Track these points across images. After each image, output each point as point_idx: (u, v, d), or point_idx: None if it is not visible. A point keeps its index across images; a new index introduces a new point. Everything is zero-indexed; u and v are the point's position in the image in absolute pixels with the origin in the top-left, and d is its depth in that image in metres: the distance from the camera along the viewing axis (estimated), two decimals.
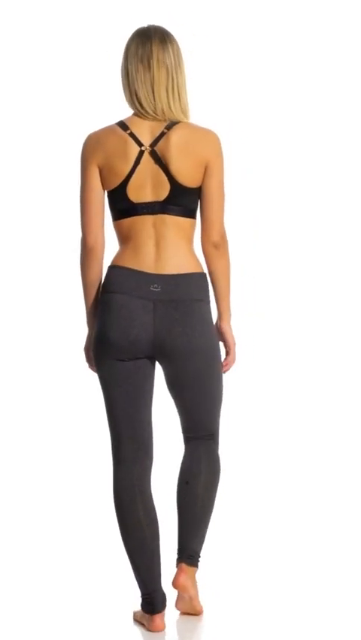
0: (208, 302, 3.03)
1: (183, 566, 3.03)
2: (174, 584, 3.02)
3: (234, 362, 3.15)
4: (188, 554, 3.04)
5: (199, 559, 3.08)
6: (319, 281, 5.19)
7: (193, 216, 3.00)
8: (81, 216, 3.02)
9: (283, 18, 5.15)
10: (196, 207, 3.01)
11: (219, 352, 3.07)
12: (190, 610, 3.09)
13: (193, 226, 3.01)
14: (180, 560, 3.05)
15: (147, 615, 3.02)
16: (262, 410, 5.00)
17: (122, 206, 2.97)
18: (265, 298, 5.12)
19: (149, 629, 3.01)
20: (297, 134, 5.16)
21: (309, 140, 5.17)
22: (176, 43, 2.98)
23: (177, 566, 3.05)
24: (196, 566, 3.06)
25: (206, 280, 3.02)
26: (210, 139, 2.98)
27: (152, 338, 2.94)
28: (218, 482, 3.11)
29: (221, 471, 3.12)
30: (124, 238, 2.99)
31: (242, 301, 4.84)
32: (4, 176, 5.16)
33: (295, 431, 4.95)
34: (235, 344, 3.14)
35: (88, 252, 3.02)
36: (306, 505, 4.34)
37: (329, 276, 5.20)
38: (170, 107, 2.95)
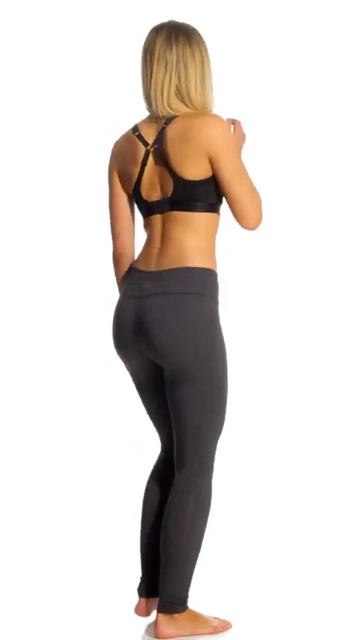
0: (203, 296, 2.86)
1: (159, 617, 2.88)
2: (154, 636, 2.91)
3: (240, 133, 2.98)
4: (165, 600, 2.89)
5: (182, 602, 2.89)
6: (319, 282, 5.19)
7: (209, 210, 2.89)
8: (110, 223, 3.06)
9: (284, 20, 5.15)
10: (211, 200, 2.88)
11: (213, 366, 2.84)
12: (213, 631, 2.95)
13: (208, 220, 2.89)
14: (157, 609, 2.91)
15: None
16: (262, 411, 5.01)
17: (141, 207, 2.99)
18: (264, 298, 5.12)
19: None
20: (296, 134, 5.16)
21: (309, 140, 5.17)
22: (186, 39, 2.90)
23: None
24: (177, 610, 2.89)
25: (205, 275, 2.88)
26: (206, 124, 2.85)
27: (134, 332, 2.90)
28: (205, 518, 2.91)
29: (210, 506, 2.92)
30: (146, 237, 3.02)
31: (241, 302, 4.89)
32: (9, 176, 5.16)
33: (295, 434, 4.94)
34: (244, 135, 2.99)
35: (116, 258, 3.06)
36: (304, 510, 4.35)
37: (329, 276, 5.20)
38: (169, 104, 2.90)
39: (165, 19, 2.98)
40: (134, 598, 3.13)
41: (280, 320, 5.12)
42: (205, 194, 2.88)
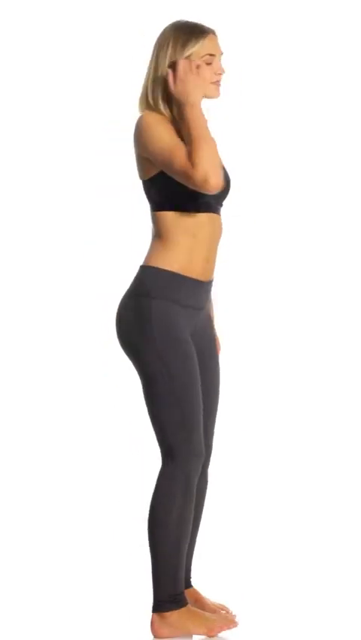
0: (145, 296, 2.86)
1: (153, 616, 2.88)
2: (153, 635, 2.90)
3: None
4: (157, 600, 2.88)
5: (175, 599, 2.86)
6: (318, 285, 5.18)
7: (161, 208, 2.89)
8: None
9: (283, 22, 5.15)
10: (161, 199, 2.88)
11: (152, 365, 2.84)
12: (209, 632, 2.89)
13: (172, 218, 2.87)
14: (152, 609, 2.91)
15: None
16: (260, 411, 5.00)
17: None
18: (263, 300, 5.11)
19: None
20: (296, 136, 5.16)
21: (308, 142, 5.17)
22: (158, 41, 2.89)
23: None
24: (170, 609, 2.86)
25: (152, 274, 2.88)
26: (135, 127, 2.90)
27: None
28: (186, 511, 2.85)
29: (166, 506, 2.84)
30: None
31: (241, 304, 4.89)
32: (9, 177, 5.15)
33: (293, 438, 4.93)
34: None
35: None
36: (303, 508, 4.35)
37: (329, 278, 5.19)
38: (139, 107, 2.94)
39: (167, 18, 2.96)
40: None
41: (278, 321, 5.12)
42: (161, 192, 2.89)
